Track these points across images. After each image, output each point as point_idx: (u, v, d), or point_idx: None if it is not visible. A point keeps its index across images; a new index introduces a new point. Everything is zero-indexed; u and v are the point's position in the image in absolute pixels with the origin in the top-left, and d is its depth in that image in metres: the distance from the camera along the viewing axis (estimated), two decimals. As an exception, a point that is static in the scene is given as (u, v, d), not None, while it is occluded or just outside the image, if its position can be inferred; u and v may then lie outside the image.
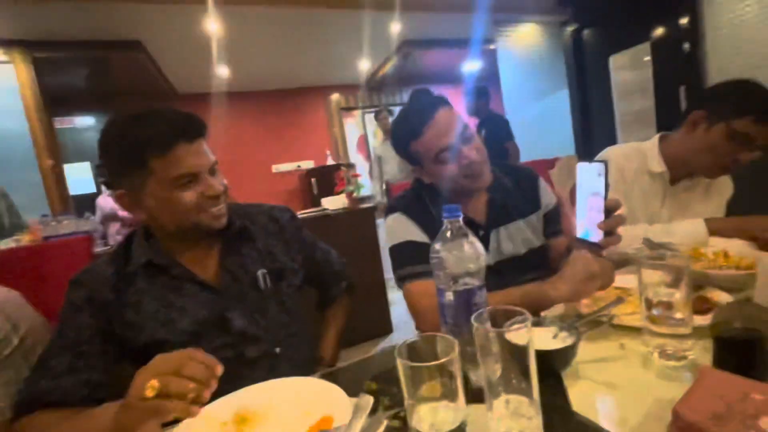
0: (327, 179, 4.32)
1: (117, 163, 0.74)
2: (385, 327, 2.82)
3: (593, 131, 4.19)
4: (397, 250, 0.97)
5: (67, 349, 0.69)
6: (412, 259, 0.93)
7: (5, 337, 0.74)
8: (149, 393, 0.49)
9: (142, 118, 0.72)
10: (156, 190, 0.73)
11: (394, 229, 1.00)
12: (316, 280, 1.04)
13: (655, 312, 0.58)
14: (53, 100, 3.27)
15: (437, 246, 0.59)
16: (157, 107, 0.74)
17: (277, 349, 0.83)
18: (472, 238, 0.59)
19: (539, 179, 1.09)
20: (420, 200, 1.01)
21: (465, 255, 0.57)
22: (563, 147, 4.08)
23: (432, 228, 0.97)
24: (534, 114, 4.27)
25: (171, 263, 0.78)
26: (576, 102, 4.21)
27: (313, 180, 4.62)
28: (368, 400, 0.41)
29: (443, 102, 0.94)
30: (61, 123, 4.07)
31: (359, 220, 2.78)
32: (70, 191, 3.39)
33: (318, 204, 3.52)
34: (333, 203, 2.99)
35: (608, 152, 1.26)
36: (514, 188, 1.04)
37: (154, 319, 0.75)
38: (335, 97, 5.57)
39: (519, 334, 0.45)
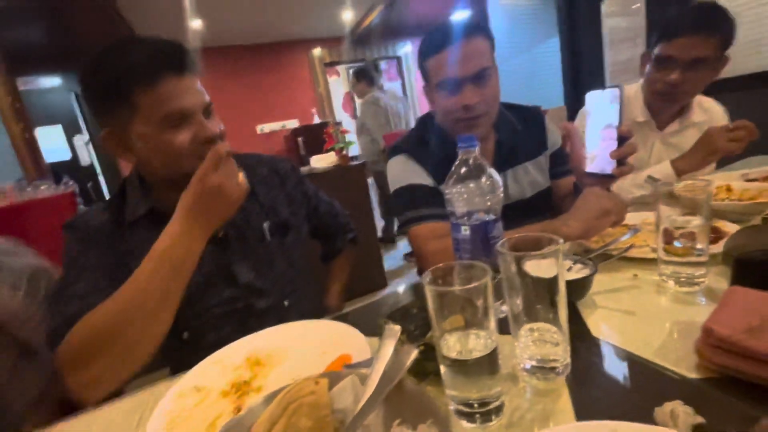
0: (314, 138, 4.18)
1: (98, 97, 0.66)
2: (379, 282, 2.86)
3: (583, 81, 4.10)
4: (400, 194, 0.94)
5: (84, 275, 0.65)
6: (416, 203, 0.91)
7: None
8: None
9: (124, 44, 0.65)
10: (143, 131, 0.66)
11: (398, 172, 0.96)
12: (322, 233, 1.01)
13: (676, 243, 0.57)
14: (12, 59, 3.00)
15: (453, 179, 0.56)
16: (142, 35, 0.67)
17: (286, 302, 0.82)
18: (490, 170, 0.55)
19: (545, 118, 1.05)
20: (423, 141, 0.97)
21: (482, 188, 0.55)
22: (553, 98, 4.00)
23: (436, 169, 0.94)
24: (524, 64, 4.15)
25: (171, 212, 0.74)
26: (566, 51, 4.08)
27: (299, 139, 4.47)
28: (396, 329, 0.39)
29: (480, 31, 0.83)
30: (25, 84, 3.78)
31: (350, 178, 2.72)
32: (46, 159, 3.21)
33: (306, 163, 3.43)
34: (322, 161, 2.91)
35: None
36: (522, 129, 0.99)
37: None
38: (317, 51, 5.28)
39: (541, 263, 0.44)
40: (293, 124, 5.16)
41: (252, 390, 0.53)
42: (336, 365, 0.53)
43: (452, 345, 0.40)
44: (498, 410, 0.40)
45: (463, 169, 0.55)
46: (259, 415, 0.35)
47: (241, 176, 0.69)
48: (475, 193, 0.55)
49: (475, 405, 0.40)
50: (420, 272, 1.22)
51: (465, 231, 0.56)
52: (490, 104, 0.87)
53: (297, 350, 0.60)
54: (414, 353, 0.37)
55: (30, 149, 2.93)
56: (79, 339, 0.57)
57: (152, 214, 0.73)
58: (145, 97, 0.64)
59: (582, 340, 0.51)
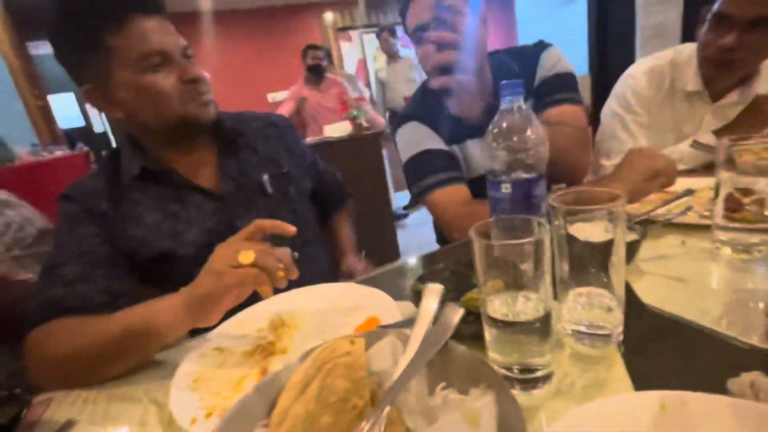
0: (327, 107, 4.09)
1: (70, 50, 0.64)
2: (392, 254, 2.85)
3: (609, 48, 3.86)
4: (414, 162, 0.90)
5: (76, 258, 0.62)
6: (433, 168, 0.87)
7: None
8: (246, 260, 0.47)
9: None
10: (124, 77, 0.63)
11: (410, 140, 0.92)
12: (321, 193, 0.97)
13: (748, 207, 0.52)
14: (24, 23, 2.94)
15: (495, 132, 0.51)
16: None
17: (296, 254, 0.79)
18: (535, 121, 0.50)
19: (546, 50, 0.90)
20: (430, 105, 0.91)
21: (527, 141, 0.49)
22: (576, 66, 3.81)
23: (448, 130, 0.89)
24: (547, 29, 3.92)
25: (167, 170, 0.71)
26: (593, 13, 3.83)
27: (310, 108, 4.38)
28: (438, 287, 0.36)
29: None
30: (37, 49, 3.73)
31: (364, 147, 2.66)
32: (60, 125, 3.20)
33: (319, 133, 3.36)
34: (336, 131, 2.84)
35: (632, 70, 1.11)
36: (520, 73, 0.90)
37: (158, 231, 0.69)
38: (329, 16, 5.07)
39: (596, 223, 0.39)
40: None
41: (277, 351, 0.51)
42: (365, 328, 0.50)
43: (498, 307, 0.37)
44: (546, 378, 0.37)
45: (506, 121, 0.50)
46: (293, 375, 0.32)
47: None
48: (519, 148, 0.50)
49: (517, 371, 0.37)
50: (441, 240, 1.19)
51: (505, 189, 0.51)
52: (459, 47, 0.79)
53: (322, 313, 0.57)
54: (460, 312, 0.33)
55: (44, 115, 2.93)
56: (54, 351, 0.54)
57: (146, 174, 0.70)
58: (117, 40, 0.62)
59: (632, 307, 0.47)
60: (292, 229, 0.53)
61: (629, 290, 0.50)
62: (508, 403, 0.25)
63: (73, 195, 0.68)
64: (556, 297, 0.42)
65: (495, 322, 0.36)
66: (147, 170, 0.70)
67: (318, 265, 0.86)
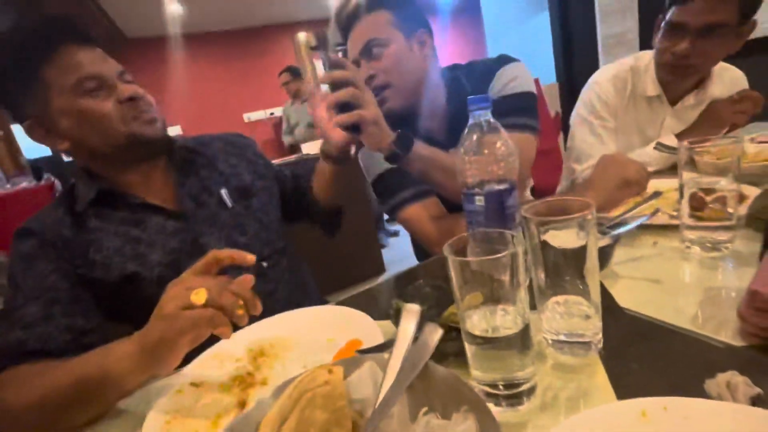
0: (304, 125, 4.09)
1: (6, 87, 0.65)
2: (377, 268, 2.83)
3: (574, 56, 4.03)
4: (382, 180, 0.90)
5: (33, 300, 0.59)
6: (401, 184, 0.87)
7: None
8: (198, 300, 0.43)
9: (15, 27, 0.64)
10: (63, 105, 0.64)
11: (371, 161, 0.92)
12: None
13: (711, 205, 0.54)
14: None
15: (465, 146, 0.51)
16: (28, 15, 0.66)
17: (265, 264, 0.77)
18: (504, 134, 0.51)
19: (504, 66, 0.85)
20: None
21: (497, 154, 0.50)
22: (544, 75, 3.93)
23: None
24: (514, 41, 4.06)
25: (123, 193, 0.70)
26: (557, 25, 4.00)
27: (288, 127, 4.37)
28: (415, 308, 0.35)
29: (376, 4, 0.82)
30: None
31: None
32: (26, 155, 3.08)
33: (296, 151, 3.35)
34: (313, 147, 2.84)
35: (597, 77, 1.16)
36: (473, 90, 0.88)
37: (120, 255, 0.67)
38: (302, 35, 5.12)
39: (568, 232, 0.40)
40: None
41: (256, 383, 0.49)
42: (346, 352, 0.49)
43: (476, 323, 0.36)
44: (530, 391, 0.37)
45: (476, 135, 0.51)
46: (268, 410, 0.31)
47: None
48: (489, 161, 0.50)
49: (502, 386, 0.36)
50: (419, 255, 1.19)
51: (479, 202, 0.51)
52: (390, 75, 0.82)
53: (302, 338, 0.56)
54: (439, 332, 0.33)
55: (7, 146, 2.82)
56: (15, 400, 0.50)
57: (103, 200, 0.69)
58: (51, 71, 0.63)
59: (609, 312, 0.47)
60: (250, 258, 0.50)
61: (606, 295, 0.51)
62: (489, 425, 0.25)
63: (32, 227, 0.65)
64: (534, 307, 0.42)
65: (474, 338, 0.35)
66: (103, 195, 0.69)
67: (290, 275, 0.83)
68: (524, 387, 0.36)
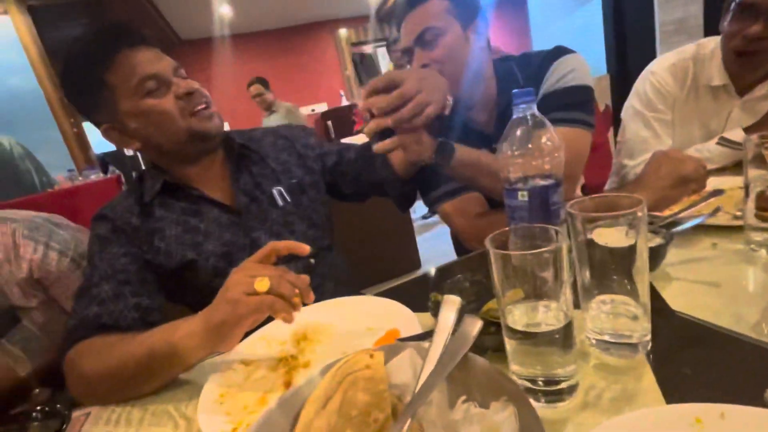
0: (343, 120, 4.16)
1: (80, 97, 0.72)
2: (412, 263, 2.83)
3: (628, 46, 3.77)
4: (420, 173, 0.89)
5: (106, 279, 0.66)
6: (440, 178, 0.86)
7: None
8: (262, 287, 0.46)
9: (77, 40, 0.69)
10: (129, 108, 0.69)
11: None
12: (363, 164, 0.89)
13: None
14: (58, 53, 3.14)
15: (507, 141, 0.50)
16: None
17: (312, 260, 0.80)
18: (550, 129, 0.50)
19: (560, 58, 0.81)
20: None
21: (542, 149, 0.49)
22: (593, 66, 3.72)
23: (456, 140, 0.88)
24: (561, 31, 3.87)
25: (186, 186, 0.76)
26: (609, 12, 3.76)
27: (328, 123, 4.47)
28: (456, 300, 0.36)
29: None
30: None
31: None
32: (94, 150, 3.38)
33: (337, 146, 3.40)
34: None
35: (653, 66, 1.07)
36: (525, 82, 0.85)
37: (181, 243, 0.73)
38: (343, 32, 5.19)
39: (617, 229, 0.38)
40: (322, 107, 5.15)
41: (300, 365, 0.51)
42: (385, 341, 0.50)
43: (518, 318, 0.36)
44: (571, 389, 0.36)
45: (520, 129, 0.50)
46: (315, 388, 0.33)
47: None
48: (534, 156, 0.49)
49: (541, 382, 0.36)
50: (459, 250, 1.18)
51: (522, 197, 0.51)
52: (444, 65, 0.79)
53: (342, 326, 0.58)
54: (479, 324, 0.33)
55: (79, 142, 3.10)
56: (88, 369, 0.57)
57: (168, 192, 0.76)
58: (113, 75, 0.68)
59: (660, 314, 0.45)
60: (305, 248, 0.53)
61: (657, 297, 0.48)
62: (529, 417, 0.25)
63: (106, 214, 0.73)
64: (578, 306, 0.42)
65: (515, 333, 0.35)
66: (167, 187, 0.75)
67: (335, 272, 0.86)
68: (564, 384, 0.36)
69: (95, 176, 2.19)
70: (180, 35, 4.45)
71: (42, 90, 2.87)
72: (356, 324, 0.57)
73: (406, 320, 0.53)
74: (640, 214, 0.37)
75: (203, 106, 0.73)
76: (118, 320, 0.62)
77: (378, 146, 0.66)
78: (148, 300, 0.68)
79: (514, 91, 0.50)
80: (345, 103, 4.67)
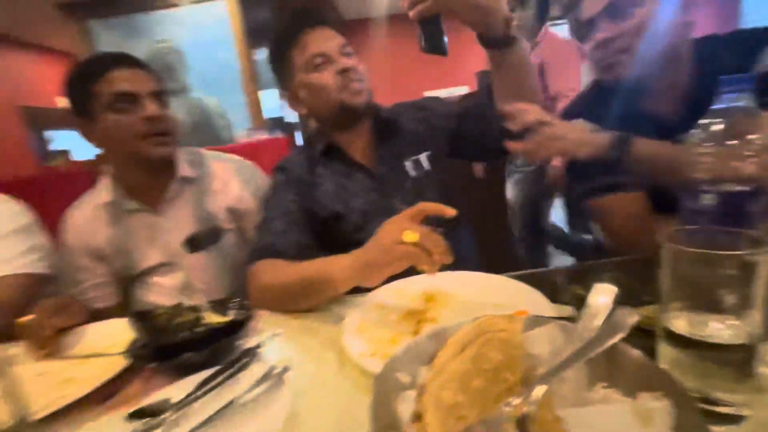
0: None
1: (276, 69, 0.89)
2: (540, 258, 2.64)
3: None
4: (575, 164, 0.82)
5: (279, 217, 0.82)
6: (601, 168, 0.76)
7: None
8: (410, 239, 0.53)
9: (278, 23, 0.89)
10: (301, 79, 0.84)
11: None
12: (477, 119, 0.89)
13: None
14: (253, 33, 3.78)
15: (704, 133, 0.44)
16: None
17: (439, 230, 0.83)
18: (766, 124, 0.42)
19: None
20: (603, 99, 0.81)
21: (748, 147, 0.42)
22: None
23: (627, 130, 0.78)
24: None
25: (341, 150, 0.88)
26: None
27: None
28: (610, 288, 0.35)
29: None
30: (257, 54, 4.76)
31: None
32: (264, 115, 4.06)
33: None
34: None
35: None
36: (731, 69, 0.68)
37: (334, 197, 0.86)
38: None
39: None
40: (463, 90, 5.08)
41: (428, 320, 0.56)
42: (514, 318, 0.51)
43: (683, 326, 0.33)
44: (734, 419, 0.32)
45: (722, 122, 0.43)
46: (455, 333, 0.36)
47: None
48: (735, 154, 0.42)
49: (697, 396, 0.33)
50: (613, 247, 1.06)
51: (708, 201, 0.44)
52: (633, 39, 0.71)
53: (470, 297, 0.61)
54: (635, 317, 0.32)
55: (255, 107, 3.74)
56: (263, 282, 0.72)
57: (328, 154, 0.89)
58: (294, 52, 0.83)
59: None
60: (451, 211, 0.57)
61: None
62: (689, 415, 0.24)
63: (284, 166, 0.90)
64: None
65: (680, 339, 0.33)
66: (328, 150, 0.89)
67: (459, 249, 0.88)
68: (726, 410, 0.32)
69: (264, 136, 2.64)
70: (344, 16, 4.89)
71: (238, 62, 3.52)
72: (484, 298, 0.59)
73: (538, 305, 0.53)
74: None
75: (355, 83, 0.83)
76: (286, 250, 0.77)
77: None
78: (308, 239, 0.82)
79: (724, 77, 0.43)
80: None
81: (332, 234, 0.86)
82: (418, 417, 0.34)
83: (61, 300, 0.72)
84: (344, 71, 0.82)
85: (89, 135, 0.86)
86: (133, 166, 0.88)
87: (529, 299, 0.54)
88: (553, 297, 0.55)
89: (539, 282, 0.67)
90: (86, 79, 0.82)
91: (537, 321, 0.36)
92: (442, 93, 5.21)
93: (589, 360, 0.32)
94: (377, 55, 4.99)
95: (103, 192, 0.92)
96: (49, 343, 0.63)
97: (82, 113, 0.84)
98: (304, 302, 0.67)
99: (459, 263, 0.86)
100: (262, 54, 4.47)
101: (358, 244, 0.65)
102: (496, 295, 0.58)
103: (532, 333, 0.36)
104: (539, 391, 0.31)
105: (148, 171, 0.89)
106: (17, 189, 0.95)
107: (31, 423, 0.29)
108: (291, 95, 0.89)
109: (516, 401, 0.31)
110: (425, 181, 0.89)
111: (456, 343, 0.37)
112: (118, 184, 0.91)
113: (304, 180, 0.87)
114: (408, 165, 0.89)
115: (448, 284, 0.64)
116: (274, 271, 0.72)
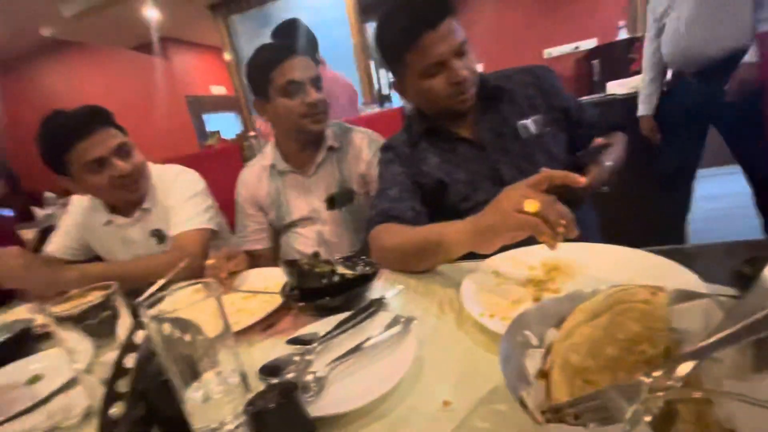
0: (615, 59, 3.45)
1: (388, 63, 0.89)
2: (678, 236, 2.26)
3: None
4: None
5: (393, 185, 0.88)
6: None
7: None
8: (531, 208, 0.50)
9: (389, 16, 0.82)
10: (413, 82, 0.84)
11: None
12: (581, 124, 0.92)
13: None
14: (363, 8, 3.88)
15: None
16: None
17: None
18: None
19: None
20: None
21: None
22: None
23: None
24: None
25: (442, 128, 0.90)
26: None
27: (594, 62, 3.82)
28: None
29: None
30: (369, 28, 4.88)
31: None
32: (375, 89, 4.20)
33: (600, 90, 2.94)
34: (623, 86, 2.39)
35: None
36: None
37: (438, 168, 0.88)
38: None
39: None
40: (590, 44, 4.42)
41: (549, 290, 0.55)
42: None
43: None
44: None
45: None
46: (587, 301, 0.36)
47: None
48: None
49: None
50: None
51: None
52: None
53: (600, 270, 0.57)
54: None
55: (368, 80, 3.88)
56: (383, 243, 0.78)
57: (429, 131, 0.91)
58: (411, 56, 0.80)
59: None
60: (581, 180, 0.53)
61: None
62: None
63: (390, 144, 0.96)
64: None
65: None
66: (430, 128, 0.91)
67: (583, 223, 0.81)
68: None
69: (376, 110, 2.74)
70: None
71: (352, 40, 3.68)
72: (618, 272, 0.54)
73: (686, 284, 0.47)
74: None
75: (463, 93, 0.82)
76: (402, 214, 0.83)
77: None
78: (419, 206, 0.86)
79: None
80: (623, 36, 3.83)
81: (440, 204, 0.89)
82: (544, 375, 0.35)
83: (232, 250, 0.92)
84: (458, 84, 0.80)
85: (262, 111, 1.07)
86: (292, 137, 1.08)
87: (674, 276, 0.49)
88: (707, 276, 0.48)
89: (687, 259, 0.59)
90: (265, 67, 1.00)
91: (687, 295, 0.33)
92: (566, 48, 4.62)
93: (757, 341, 0.29)
94: (494, 10, 4.63)
95: (267, 155, 1.16)
96: (225, 282, 0.80)
97: (259, 94, 1.04)
98: (420, 263, 0.72)
99: (585, 237, 0.81)
100: (371, 29, 4.59)
101: (465, 213, 0.66)
102: (633, 271, 0.53)
103: (679, 307, 0.33)
104: (686, 366, 0.29)
105: (302, 141, 1.08)
106: (186, 164, 1.19)
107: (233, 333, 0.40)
108: (400, 88, 0.91)
109: (657, 373, 0.30)
110: (534, 145, 0.86)
111: (586, 310, 0.36)
112: (278, 150, 1.13)
113: (408, 155, 0.92)
114: (514, 129, 0.87)
115: (575, 255, 0.61)
116: (392, 234, 0.78)
